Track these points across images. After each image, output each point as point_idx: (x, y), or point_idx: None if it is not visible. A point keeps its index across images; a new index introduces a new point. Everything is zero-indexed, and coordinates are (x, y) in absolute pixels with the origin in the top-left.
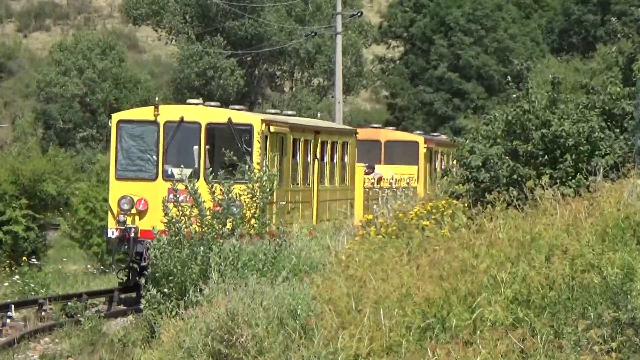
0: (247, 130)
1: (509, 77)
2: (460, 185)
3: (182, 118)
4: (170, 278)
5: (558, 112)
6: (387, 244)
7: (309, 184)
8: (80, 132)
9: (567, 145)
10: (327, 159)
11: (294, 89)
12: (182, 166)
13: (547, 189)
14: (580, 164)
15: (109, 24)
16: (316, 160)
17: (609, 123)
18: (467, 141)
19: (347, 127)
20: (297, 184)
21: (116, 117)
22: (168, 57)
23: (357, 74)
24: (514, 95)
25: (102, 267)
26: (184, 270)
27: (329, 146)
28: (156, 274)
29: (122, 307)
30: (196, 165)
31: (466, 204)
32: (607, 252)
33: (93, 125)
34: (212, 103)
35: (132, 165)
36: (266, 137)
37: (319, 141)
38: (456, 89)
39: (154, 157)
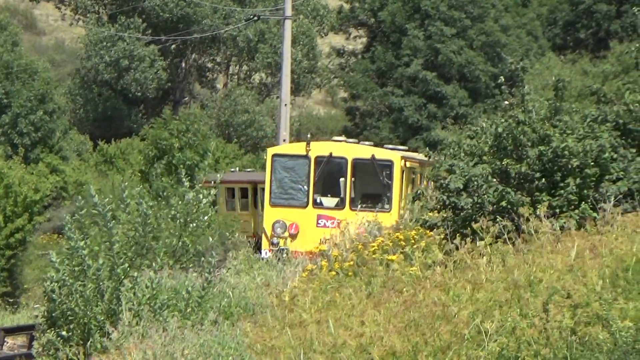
0: (388, 165)
1: (500, 79)
2: (436, 212)
3: (331, 154)
4: (70, 318)
5: (560, 126)
6: (342, 283)
7: None
8: None
9: (570, 166)
10: None
11: (229, 85)
12: (328, 195)
13: (543, 219)
14: (585, 191)
15: None
16: None
17: (623, 141)
18: (445, 158)
19: None
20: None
21: (271, 151)
22: (73, 41)
23: (309, 69)
24: (506, 103)
25: None
26: (87, 309)
27: None
28: (53, 314)
29: (9, 352)
30: (342, 195)
31: (442, 236)
32: (618, 301)
33: None
34: (351, 140)
35: (285, 194)
36: (403, 171)
37: None
38: (432, 92)
39: (305, 187)
